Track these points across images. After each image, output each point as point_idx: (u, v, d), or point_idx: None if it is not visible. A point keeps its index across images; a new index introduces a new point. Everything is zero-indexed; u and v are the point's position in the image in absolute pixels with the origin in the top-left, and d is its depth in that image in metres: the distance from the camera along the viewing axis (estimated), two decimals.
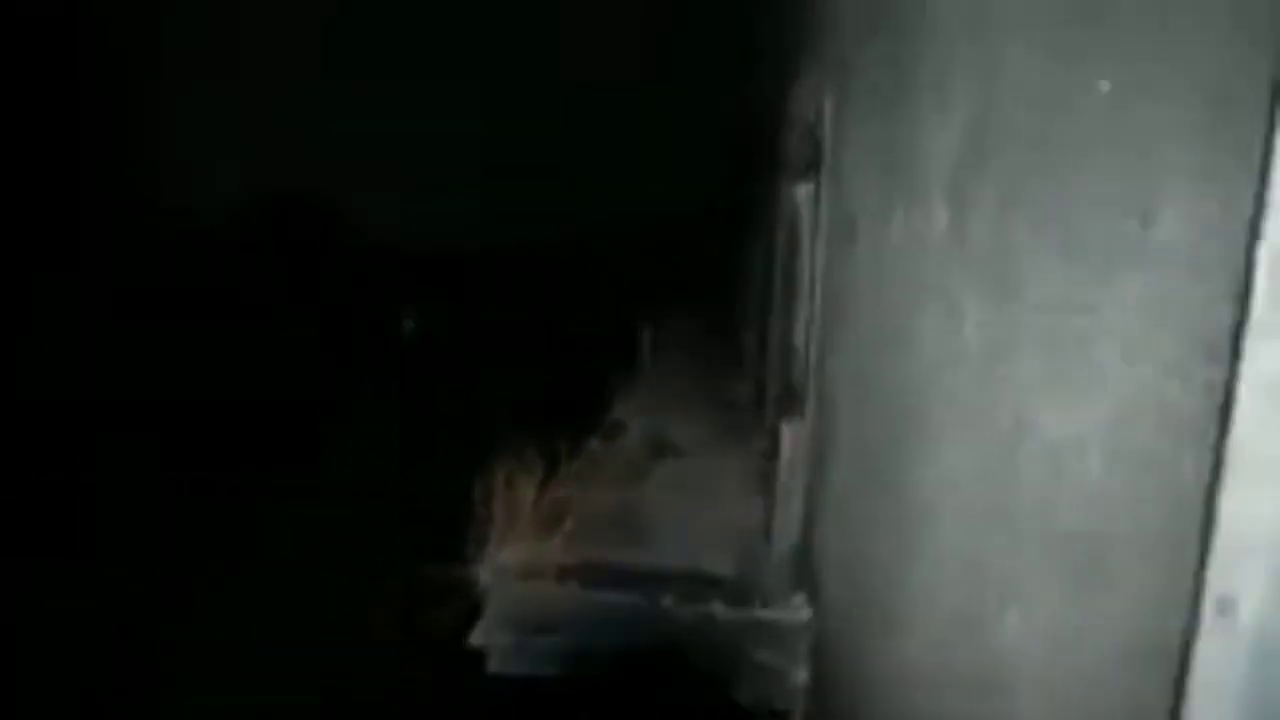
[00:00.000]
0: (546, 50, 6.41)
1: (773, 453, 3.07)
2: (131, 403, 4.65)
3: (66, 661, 2.58)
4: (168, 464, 4.04)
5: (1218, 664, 0.50)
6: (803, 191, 2.95)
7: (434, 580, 2.31)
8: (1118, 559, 0.69)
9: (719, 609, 2.41)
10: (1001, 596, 0.90)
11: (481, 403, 4.37)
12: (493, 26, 6.41)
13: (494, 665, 2.32)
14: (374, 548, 3.12)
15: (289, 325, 5.72)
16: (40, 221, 5.91)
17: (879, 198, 1.71)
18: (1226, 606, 0.49)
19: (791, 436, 2.49)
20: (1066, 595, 0.78)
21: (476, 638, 2.25)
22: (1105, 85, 0.72)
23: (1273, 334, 0.48)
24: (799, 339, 2.81)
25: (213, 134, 6.66)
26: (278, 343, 5.40)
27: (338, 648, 2.63)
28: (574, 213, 6.48)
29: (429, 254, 6.22)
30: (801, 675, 2.29)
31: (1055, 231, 0.82)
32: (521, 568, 2.30)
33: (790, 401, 2.67)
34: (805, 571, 2.46)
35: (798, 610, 2.37)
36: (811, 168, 2.78)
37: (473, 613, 2.23)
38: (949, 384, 1.16)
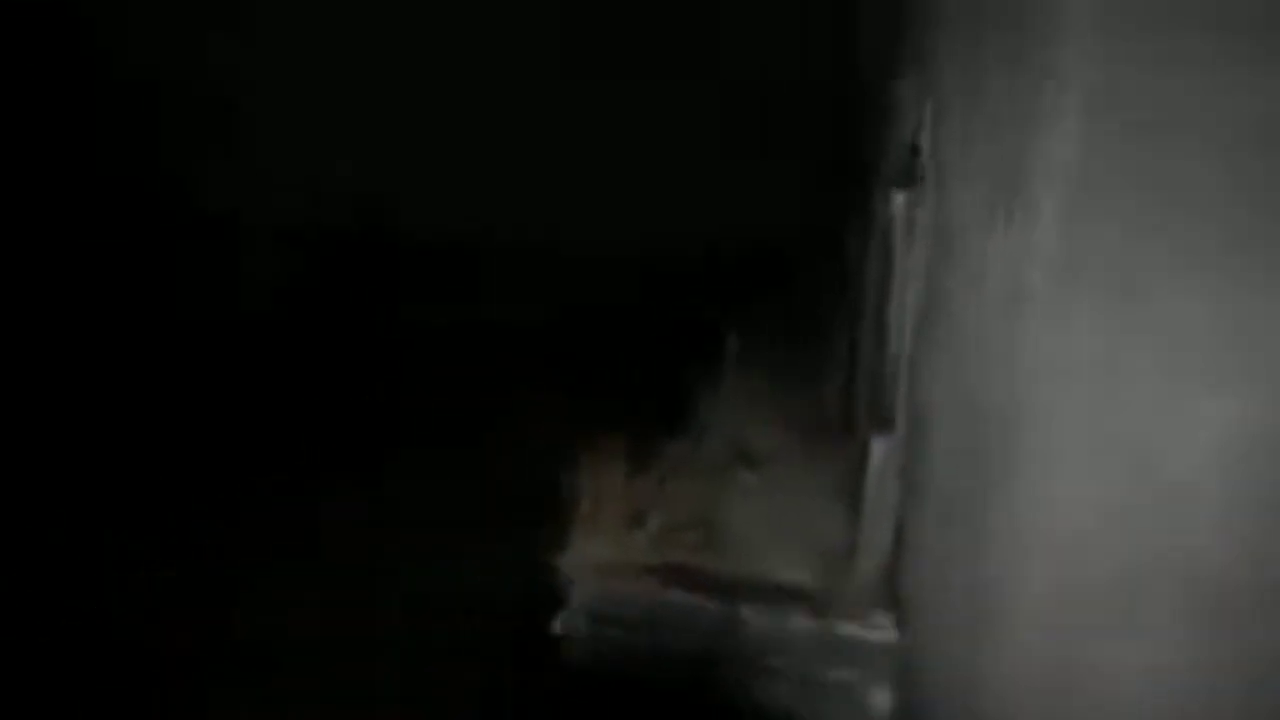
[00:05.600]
0: (635, 48, 6.39)
1: (861, 466, 2.98)
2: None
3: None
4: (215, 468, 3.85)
5: None
6: (899, 199, 2.86)
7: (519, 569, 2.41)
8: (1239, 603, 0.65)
9: (798, 621, 2.37)
10: (1097, 634, 0.85)
11: (572, 398, 4.45)
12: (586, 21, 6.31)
13: (569, 654, 2.40)
14: (460, 536, 3.22)
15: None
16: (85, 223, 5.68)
17: (983, 208, 1.64)
18: None
19: (881, 450, 2.41)
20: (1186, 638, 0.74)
21: (557, 626, 2.34)
22: None
23: None
24: (890, 350, 2.72)
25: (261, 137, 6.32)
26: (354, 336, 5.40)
27: (421, 631, 2.77)
28: (666, 214, 6.52)
29: (520, 248, 6.33)
30: (884, 699, 2.21)
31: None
32: (602, 563, 2.36)
33: (880, 415, 2.59)
34: (892, 592, 2.37)
35: (883, 629, 2.30)
36: (909, 175, 2.70)
37: (557, 601, 2.33)
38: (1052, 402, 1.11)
